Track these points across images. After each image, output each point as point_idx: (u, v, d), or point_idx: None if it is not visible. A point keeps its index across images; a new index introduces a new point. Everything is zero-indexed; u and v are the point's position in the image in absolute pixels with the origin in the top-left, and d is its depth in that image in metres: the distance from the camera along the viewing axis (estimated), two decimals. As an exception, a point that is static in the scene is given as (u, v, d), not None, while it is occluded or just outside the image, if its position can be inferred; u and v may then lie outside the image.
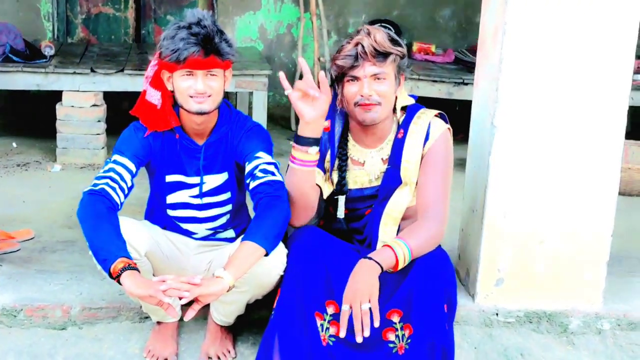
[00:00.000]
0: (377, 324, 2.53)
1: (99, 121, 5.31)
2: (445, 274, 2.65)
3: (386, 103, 2.70)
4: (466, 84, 5.66)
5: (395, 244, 2.64)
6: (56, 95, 5.34)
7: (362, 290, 2.54)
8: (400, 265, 2.62)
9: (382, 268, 2.59)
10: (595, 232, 3.10)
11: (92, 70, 5.28)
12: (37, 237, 3.80)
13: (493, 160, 3.01)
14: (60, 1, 6.85)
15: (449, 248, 3.47)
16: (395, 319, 2.59)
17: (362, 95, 2.66)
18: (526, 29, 2.91)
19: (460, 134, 6.20)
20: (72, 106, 5.26)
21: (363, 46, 2.64)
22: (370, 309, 2.54)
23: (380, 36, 2.67)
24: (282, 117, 6.86)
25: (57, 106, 5.28)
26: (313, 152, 2.61)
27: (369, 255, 2.62)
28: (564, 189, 3.05)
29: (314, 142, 2.60)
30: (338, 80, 2.73)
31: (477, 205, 3.13)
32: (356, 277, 2.57)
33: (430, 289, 2.57)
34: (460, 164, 3.40)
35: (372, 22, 6.91)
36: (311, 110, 2.55)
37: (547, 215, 3.08)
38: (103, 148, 5.34)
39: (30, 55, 5.41)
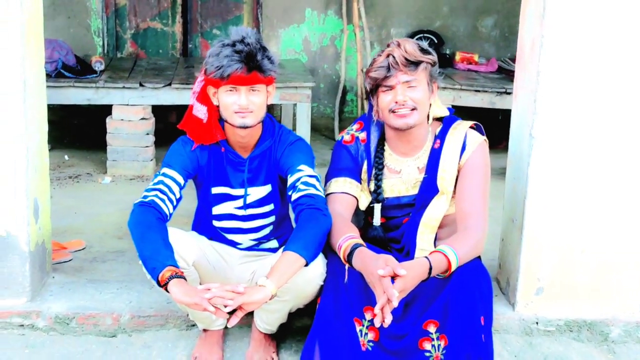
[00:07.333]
0: (395, 304, 2.43)
1: (147, 134, 5.41)
2: (483, 286, 2.66)
3: (421, 109, 2.77)
4: (509, 93, 5.60)
5: (446, 249, 2.60)
6: (107, 109, 5.45)
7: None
8: (453, 268, 2.58)
9: (431, 271, 2.54)
10: (637, 240, 3.10)
11: (141, 85, 5.38)
12: (88, 248, 3.90)
13: (532, 171, 3.03)
14: (110, 17, 7.00)
15: (489, 257, 3.47)
16: (432, 329, 2.62)
17: (396, 102, 2.74)
18: (564, 41, 2.92)
19: (503, 142, 6.20)
20: (122, 120, 5.38)
21: (394, 57, 2.72)
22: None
23: (410, 46, 2.75)
24: (325, 127, 6.91)
25: (107, 120, 5.39)
26: None
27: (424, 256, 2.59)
28: (604, 197, 3.05)
29: None
30: (373, 92, 2.81)
31: (517, 215, 3.15)
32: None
33: (466, 301, 2.59)
34: (503, 172, 3.41)
35: (414, 34, 6.98)
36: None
37: (587, 224, 3.08)
38: (152, 160, 5.42)
39: (81, 70, 5.52)
